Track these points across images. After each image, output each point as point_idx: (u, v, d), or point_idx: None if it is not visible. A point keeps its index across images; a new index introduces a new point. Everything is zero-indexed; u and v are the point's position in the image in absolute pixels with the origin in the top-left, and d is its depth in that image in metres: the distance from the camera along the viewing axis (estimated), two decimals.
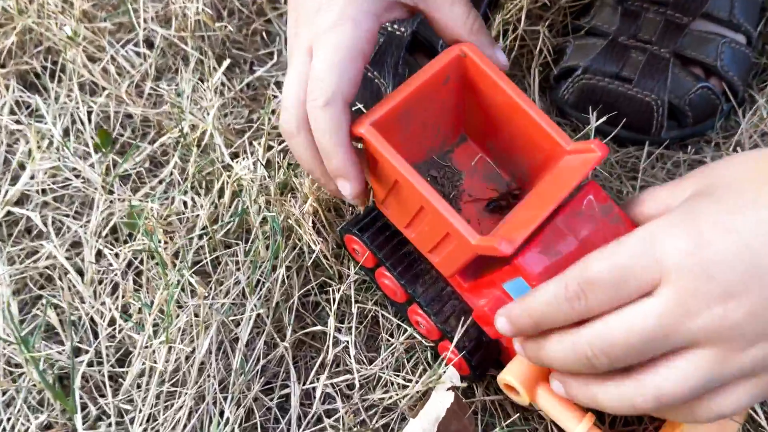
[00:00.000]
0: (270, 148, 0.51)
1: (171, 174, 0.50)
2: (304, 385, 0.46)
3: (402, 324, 0.48)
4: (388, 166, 0.37)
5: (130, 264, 0.48)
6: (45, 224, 0.49)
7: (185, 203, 0.48)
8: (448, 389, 0.41)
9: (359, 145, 0.40)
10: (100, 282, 0.47)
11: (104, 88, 0.54)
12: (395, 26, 0.54)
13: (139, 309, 0.44)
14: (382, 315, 0.48)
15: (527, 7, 0.55)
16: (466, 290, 0.43)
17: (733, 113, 0.58)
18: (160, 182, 0.50)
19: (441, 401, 0.40)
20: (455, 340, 0.42)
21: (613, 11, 0.58)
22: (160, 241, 0.46)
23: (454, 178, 0.44)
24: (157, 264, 0.44)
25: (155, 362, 0.42)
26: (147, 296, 0.45)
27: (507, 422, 0.43)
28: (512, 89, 0.40)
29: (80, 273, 0.48)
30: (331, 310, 0.44)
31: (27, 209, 0.50)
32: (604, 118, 0.55)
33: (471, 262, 0.39)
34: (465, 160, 0.45)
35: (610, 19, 0.58)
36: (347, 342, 0.46)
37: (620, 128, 0.56)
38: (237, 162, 0.45)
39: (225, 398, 0.43)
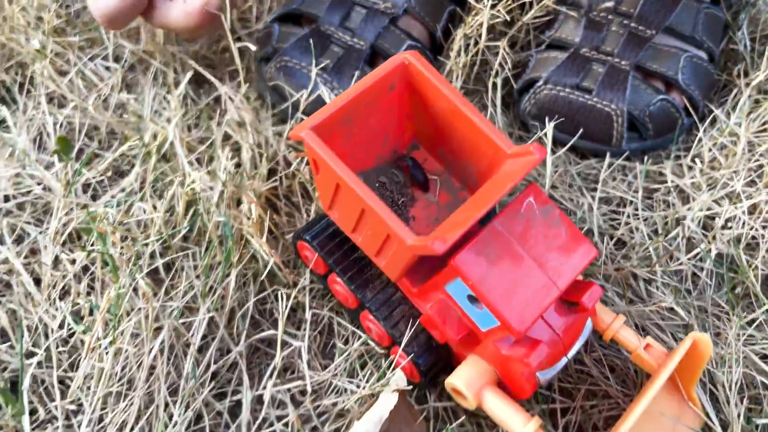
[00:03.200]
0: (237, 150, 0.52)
1: (133, 182, 0.51)
2: (256, 390, 0.46)
3: (357, 331, 0.48)
4: (328, 170, 0.38)
5: (86, 269, 0.48)
6: (6, 231, 0.50)
7: (145, 210, 0.49)
8: (393, 391, 0.41)
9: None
10: (55, 286, 0.47)
11: (72, 100, 0.56)
12: (354, 39, 0.55)
13: (90, 311, 0.45)
14: (338, 322, 0.49)
15: (488, 23, 0.56)
16: (415, 295, 0.43)
17: (694, 128, 0.59)
18: (122, 191, 0.51)
19: (386, 404, 0.40)
20: (403, 344, 0.42)
21: (577, 23, 0.59)
22: (114, 245, 0.47)
23: (404, 184, 0.45)
24: (110, 269, 0.45)
25: (103, 364, 0.42)
26: (99, 299, 0.46)
27: (457, 422, 0.43)
28: (454, 95, 0.40)
29: (38, 279, 0.49)
30: (282, 315, 0.44)
31: None
32: (553, 128, 0.55)
33: (416, 265, 0.40)
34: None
35: (574, 32, 0.59)
36: (300, 347, 0.46)
37: (581, 139, 0.56)
38: (194, 170, 0.46)
39: (174, 402, 0.43)
